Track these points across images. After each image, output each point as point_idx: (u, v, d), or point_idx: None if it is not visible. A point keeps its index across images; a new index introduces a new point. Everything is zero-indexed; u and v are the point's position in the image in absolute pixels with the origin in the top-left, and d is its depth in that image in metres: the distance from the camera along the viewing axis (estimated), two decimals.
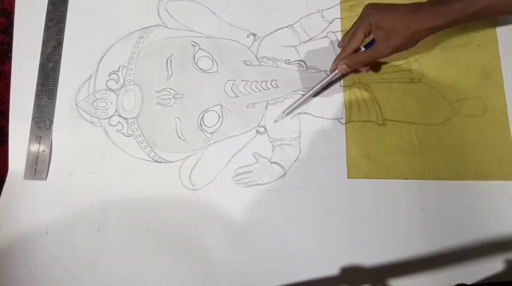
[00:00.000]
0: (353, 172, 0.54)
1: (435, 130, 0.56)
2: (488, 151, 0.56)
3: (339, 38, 0.58)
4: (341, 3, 0.60)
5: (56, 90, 0.54)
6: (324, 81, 0.54)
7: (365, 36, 0.51)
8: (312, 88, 0.55)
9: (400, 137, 0.55)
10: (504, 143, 0.56)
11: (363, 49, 0.52)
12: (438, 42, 0.59)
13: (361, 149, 0.55)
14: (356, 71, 0.56)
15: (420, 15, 0.48)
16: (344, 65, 0.52)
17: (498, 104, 0.57)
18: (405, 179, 0.54)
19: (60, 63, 0.55)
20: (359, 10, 0.52)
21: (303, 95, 0.55)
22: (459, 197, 0.55)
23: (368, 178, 0.54)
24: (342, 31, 0.59)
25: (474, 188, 0.55)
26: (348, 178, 0.54)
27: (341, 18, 0.59)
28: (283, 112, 0.55)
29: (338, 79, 0.57)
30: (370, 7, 0.51)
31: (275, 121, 0.56)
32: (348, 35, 0.53)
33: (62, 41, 0.55)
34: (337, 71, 0.53)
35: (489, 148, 0.56)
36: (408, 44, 0.50)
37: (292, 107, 0.55)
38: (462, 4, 0.47)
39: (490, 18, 0.50)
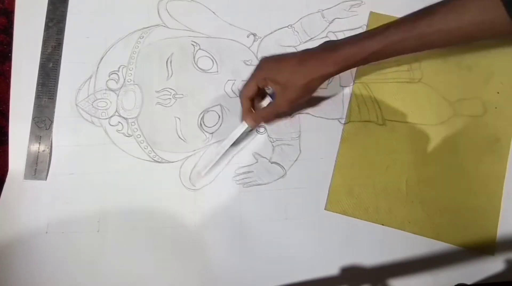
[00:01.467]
0: (332, 205, 0.53)
1: (428, 181, 0.54)
2: (472, 216, 0.54)
3: (339, 38, 0.58)
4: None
5: (56, 90, 0.54)
6: (235, 134, 0.52)
7: (260, 89, 0.50)
8: (223, 143, 0.52)
9: (388, 181, 0.54)
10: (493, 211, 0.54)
11: (265, 102, 0.51)
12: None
13: (346, 184, 0.54)
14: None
15: (310, 64, 0.48)
16: (253, 122, 0.51)
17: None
18: (382, 225, 0.53)
19: (60, 63, 0.55)
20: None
21: (218, 152, 0.52)
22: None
23: (345, 215, 0.53)
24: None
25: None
26: (325, 209, 0.53)
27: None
28: (201, 173, 0.53)
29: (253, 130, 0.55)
30: (263, 60, 0.51)
31: (193, 181, 0.53)
32: (245, 89, 0.51)
33: (62, 41, 0.55)
34: (246, 125, 0.51)
35: (474, 213, 0.54)
36: (305, 93, 0.49)
37: (209, 167, 0.52)
38: (350, 51, 0.47)
39: (384, 59, 0.48)
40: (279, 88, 0.49)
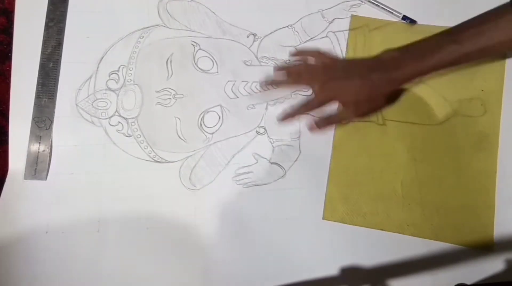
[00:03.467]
0: (329, 213, 0.53)
1: (423, 181, 0.54)
2: (468, 214, 0.54)
3: (339, 38, 0.58)
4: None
5: (57, 90, 0.54)
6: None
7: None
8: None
9: (383, 185, 0.54)
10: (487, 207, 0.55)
11: None
12: None
13: (341, 191, 0.54)
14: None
15: (374, 84, 0.50)
16: (316, 129, 0.53)
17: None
18: (381, 230, 0.53)
19: (60, 63, 0.55)
20: None
21: None
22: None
23: (343, 223, 0.53)
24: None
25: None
26: (323, 219, 0.53)
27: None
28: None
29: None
30: (325, 83, 0.52)
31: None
32: (307, 107, 0.53)
33: (63, 41, 0.55)
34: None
35: (470, 210, 0.54)
36: (371, 110, 0.53)
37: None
38: (413, 69, 0.49)
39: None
40: (345, 106, 0.52)
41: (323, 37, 0.59)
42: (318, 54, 0.56)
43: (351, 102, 0.52)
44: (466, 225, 0.53)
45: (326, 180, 0.54)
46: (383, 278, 0.51)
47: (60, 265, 0.50)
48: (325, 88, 0.52)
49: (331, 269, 0.51)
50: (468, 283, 0.51)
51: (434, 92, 0.57)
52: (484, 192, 0.55)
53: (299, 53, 0.57)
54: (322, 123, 0.53)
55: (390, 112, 0.56)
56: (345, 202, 0.53)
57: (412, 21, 0.58)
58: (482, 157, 0.55)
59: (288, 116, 0.54)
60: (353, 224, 0.53)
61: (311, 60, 0.55)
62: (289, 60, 0.57)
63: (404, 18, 0.58)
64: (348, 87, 0.51)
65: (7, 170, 0.52)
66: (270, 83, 0.55)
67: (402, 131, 0.56)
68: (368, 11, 0.59)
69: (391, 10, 0.58)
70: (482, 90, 0.57)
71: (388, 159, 0.55)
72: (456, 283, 0.50)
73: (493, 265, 0.52)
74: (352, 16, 0.59)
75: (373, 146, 0.55)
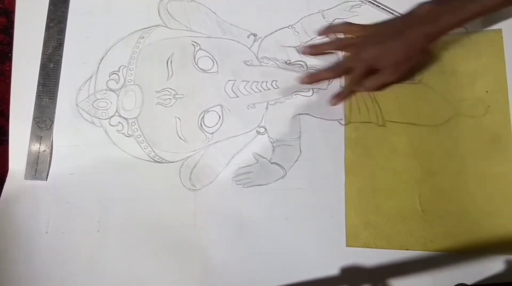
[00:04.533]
0: (353, 240, 0.52)
1: (441, 193, 0.53)
2: (490, 221, 0.52)
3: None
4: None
5: (57, 90, 0.54)
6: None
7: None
8: None
9: (402, 203, 0.53)
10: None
11: None
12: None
13: (360, 215, 0.52)
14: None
15: (413, 40, 0.50)
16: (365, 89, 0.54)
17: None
18: (406, 250, 0.51)
19: (61, 63, 0.55)
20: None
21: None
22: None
23: (368, 247, 0.52)
24: None
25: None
26: (347, 246, 0.52)
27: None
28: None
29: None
30: (363, 49, 0.52)
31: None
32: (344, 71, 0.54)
33: (63, 42, 0.56)
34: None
35: (492, 217, 0.52)
36: (412, 67, 0.53)
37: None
38: (450, 22, 0.49)
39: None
40: (385, 70, 0.52)
41: (323, 38, 0.59)
42: (347, 26, 0.56)
43: (390, 65, 0.51)
44: (490, 232, 0.52)
45: (325, 181, 0.54)
46: (383, 278, 0.51)
47: (60, 265, 0.50)
48: (362, 56, 0.52)
49: (331, 269, 0.51)
50: (468, 283, 0.50)
51: (434, 93, 0.57)
52: (504, 196, 0.53)
53: (327, 31, 0.57)
54: (364, 88, 0.54)
55: (390, 113, 0.56)
56: (366, 226, 0.52)
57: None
58: (498, 160, 0.54)
59: (340, 96, 0.54)
60: (377, 248, 0.51)
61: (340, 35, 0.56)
62: (289, 60, 0.57)
63: None
64: (385, 49, 0.50)
65: (7, 170, 0.52)
66: (310, 49, 0.56)
67: (410, 142, 0.55)
68: (369, 12, 0.59)
69: (391, 11, 0.58)
70: (487, 91, 0.56)
71: (401, 175, 0.54)
72: (456, 283, 0.50)
73: (493, 265, 0.52)
74: None
75: (384, 164, 0.54)
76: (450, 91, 0.57)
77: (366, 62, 0.52)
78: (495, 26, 0.57)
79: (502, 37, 0.57)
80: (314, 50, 0.56)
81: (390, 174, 0.54)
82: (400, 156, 0.54)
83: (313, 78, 0.55)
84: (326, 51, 0.57)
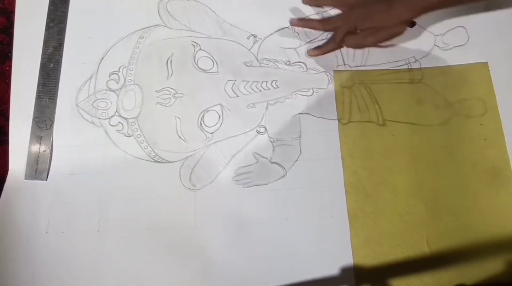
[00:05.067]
0: (359, 260, 0.51)
1: (449, 235, 0.52)
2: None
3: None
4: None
5: (57, 90, 0.54)
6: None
7: None
8: None
9: (409, 249, 0.52)
10: None
11: None
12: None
13: (369, 264, 0.51)
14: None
15: (397, 9, 0.53)
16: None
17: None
18: None
19: (61, 63, 0.55)
20: None
21: None
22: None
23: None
24: None
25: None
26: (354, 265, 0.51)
27: None
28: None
29: None
30: (349, 11, 0.57)
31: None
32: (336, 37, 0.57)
33: (63, 41, 0.56)
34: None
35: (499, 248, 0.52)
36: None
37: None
38: None
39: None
40: (364, 32, 0.56)
41: (323, 39, 0.59)
42: None
43: (371, 28, 0.55)
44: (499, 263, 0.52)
45: (325, 181, 0.54)
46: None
47: (60, 265, 0.50)
48: (349, 16, 0.56)
49: (331, 269, 0.51)
50: (468, 283, 0.51)
51: (434, 93, 0.57)
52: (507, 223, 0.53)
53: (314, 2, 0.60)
54: (345, 44, 0.57)
55: (390, 113, 0.56)
56: (375, 277, 0.51)
57: (412, 24, 0.58)
58: (501, 193, 0.54)
59: (320, 49, 0.58)
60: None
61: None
62: (289, 61, 0.58)
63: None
64: (370, 14, 0.54)
65: (7, 170, 0.52)
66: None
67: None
68: None
69: None
70: (481, 125, 0.56)
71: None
72: (456, 283, 0.50)
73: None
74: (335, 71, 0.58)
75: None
76: (451, 91, 0.57)
77: (351, 22, 0.56)
78: (481, 59, 0.59)
79: (489, 70, 0.58)
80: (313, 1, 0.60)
81: (395, 218, 0.53)
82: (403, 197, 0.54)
83: (303, 22, 0.59)
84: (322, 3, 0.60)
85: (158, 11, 0.58)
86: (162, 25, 0.57)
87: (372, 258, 0.51)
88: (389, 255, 0.52)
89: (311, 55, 0.58)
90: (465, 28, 0.59)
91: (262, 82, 0.56)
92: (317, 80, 0.57)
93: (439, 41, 0.59)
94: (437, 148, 0.55)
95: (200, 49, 0.57)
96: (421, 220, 0.53)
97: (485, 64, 0.58)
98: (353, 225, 0.52)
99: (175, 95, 0.55)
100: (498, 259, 0.52)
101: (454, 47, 0.59)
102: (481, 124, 0.56)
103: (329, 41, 0.58)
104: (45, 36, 0.55)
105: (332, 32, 0.58)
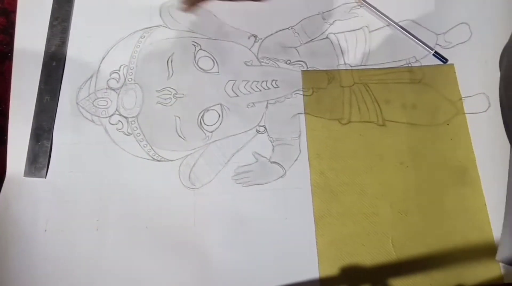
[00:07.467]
0: (325, 266, 0.51)
1: (412, 235, 0.51)
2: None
3: (340, 39, 0.59)
4: None
5: (59, 89, 0.55)
6: None
7: None
8: None
9: (375, 249, 0.51)
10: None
11: None
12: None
13: (335, 266, 0.51)
14: None
15: None
16: None
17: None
18: None
19: (63, 62, 0.55)
20: None
21: None
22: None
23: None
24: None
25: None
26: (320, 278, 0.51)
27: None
28: None
29: None
30: None
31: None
32: None
33: (66, 40, 0.56)
34: None
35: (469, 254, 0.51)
36: None
37: None
38: None
39: None
40: None
41: (323, 39, 0.59)
42: None
43: None
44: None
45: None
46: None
47: (59, 264, 0.50)
48: None
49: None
50: (468, 283, 0.50)
51: (434, 92, 0.57)
52: (479, 229, 0.52)
53: None
54: None
55: (390, 113, 0.56)
56: (341, 279, 0.50)
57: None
58: (468, 194, 0.53)
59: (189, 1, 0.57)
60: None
61: None
62: (289, 60, 0.58)
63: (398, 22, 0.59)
64: None
65: (6, 168, 0.52)
66: None
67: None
68: (368, 13, 0.60)
69: (388, 18, 0.59)
70: (448, 124, 0.56)
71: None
72: (456, 283, 0.50)
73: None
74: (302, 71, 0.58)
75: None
76: (451, 91, 0.57)
77: None
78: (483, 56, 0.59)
79: (455, 71, 0.58)
80: None
81: (360, 218, 0.52)
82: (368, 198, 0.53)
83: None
84: None
85: (160, 12, 0.58)
86: (163, 26, 0.58)
87: (337, 261, 0.51)
88: (354, 256, 0.51)
89: (181, 9, 0.58)
90: (468, 25, 0.60)
91: (262, 81, 0.57)
92: (317, 79, 0.56)
93: (441, 40, 0.59)
94: (404, 149, 0.55)
95: (200, 49, 0.57)
96: (387, 221, 0.52)
97: (451, 66, 0.58)
98: (318, 226, 0.52)
99: (176, 95, 0.55)
100: (465, 259, 0.52)
101: (457, 44, 0.59)
102: (448, 124, 0.56)
103: None
104: (48, 35, 0.56)
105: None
